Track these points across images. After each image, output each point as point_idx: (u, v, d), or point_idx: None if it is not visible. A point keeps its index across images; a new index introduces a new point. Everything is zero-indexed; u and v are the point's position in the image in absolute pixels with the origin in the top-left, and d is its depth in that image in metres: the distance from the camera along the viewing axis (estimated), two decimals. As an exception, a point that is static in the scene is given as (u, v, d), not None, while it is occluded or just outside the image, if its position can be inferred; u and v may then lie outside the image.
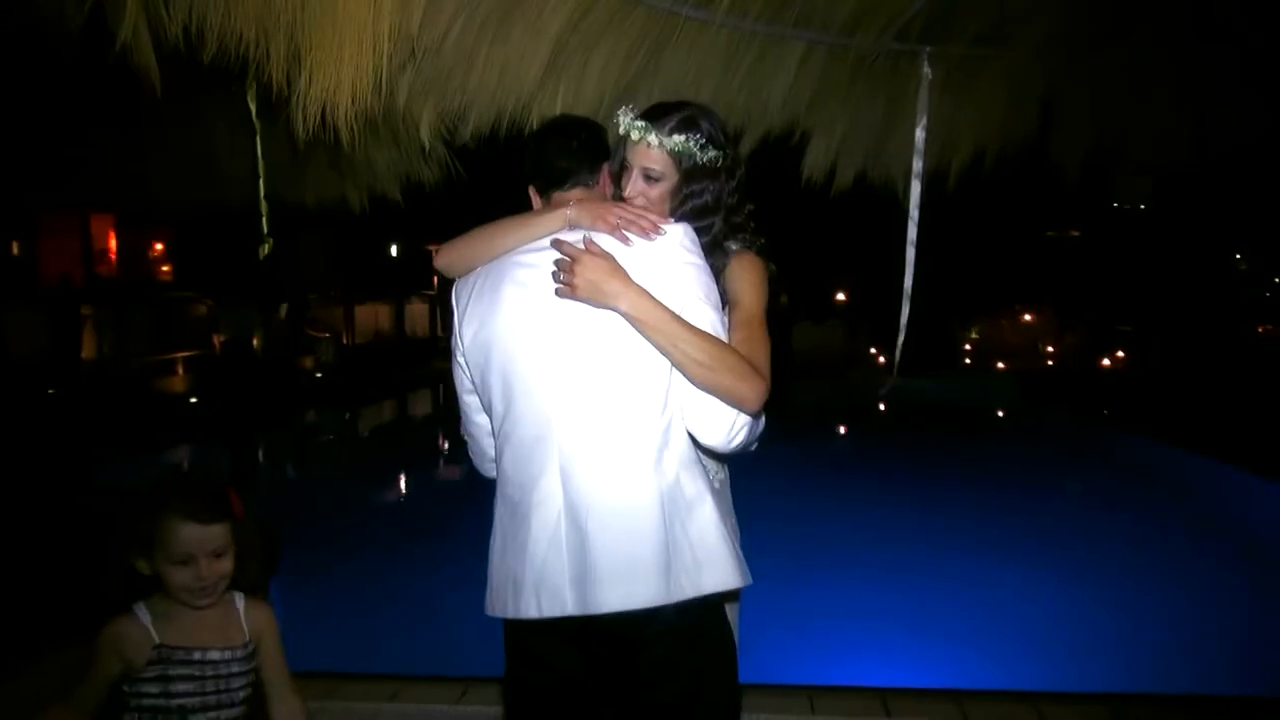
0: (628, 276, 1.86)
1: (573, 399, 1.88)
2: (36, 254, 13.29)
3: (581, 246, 1.87)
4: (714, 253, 2.15)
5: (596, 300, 1.85)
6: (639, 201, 2.13)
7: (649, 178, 2.14)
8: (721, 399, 1.86)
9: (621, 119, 2.17)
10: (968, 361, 17.81)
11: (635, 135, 2.14)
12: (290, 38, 2.32)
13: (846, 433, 12.78)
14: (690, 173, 2.14)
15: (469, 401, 2.08)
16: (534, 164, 2.12)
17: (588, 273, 1.85)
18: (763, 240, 2.26)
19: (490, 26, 2.98)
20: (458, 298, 2.04)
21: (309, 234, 15.91)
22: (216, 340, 14.05)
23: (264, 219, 3.73)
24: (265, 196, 3.65)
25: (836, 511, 7.59)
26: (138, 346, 12.68)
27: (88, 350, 11.99)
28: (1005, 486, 8.56)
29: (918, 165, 3.96)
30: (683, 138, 2.11)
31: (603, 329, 1.88)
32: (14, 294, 11.75)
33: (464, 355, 2.01)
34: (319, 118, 2.41)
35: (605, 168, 2.14)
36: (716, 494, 1.97)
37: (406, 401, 15.43)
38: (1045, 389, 14.50)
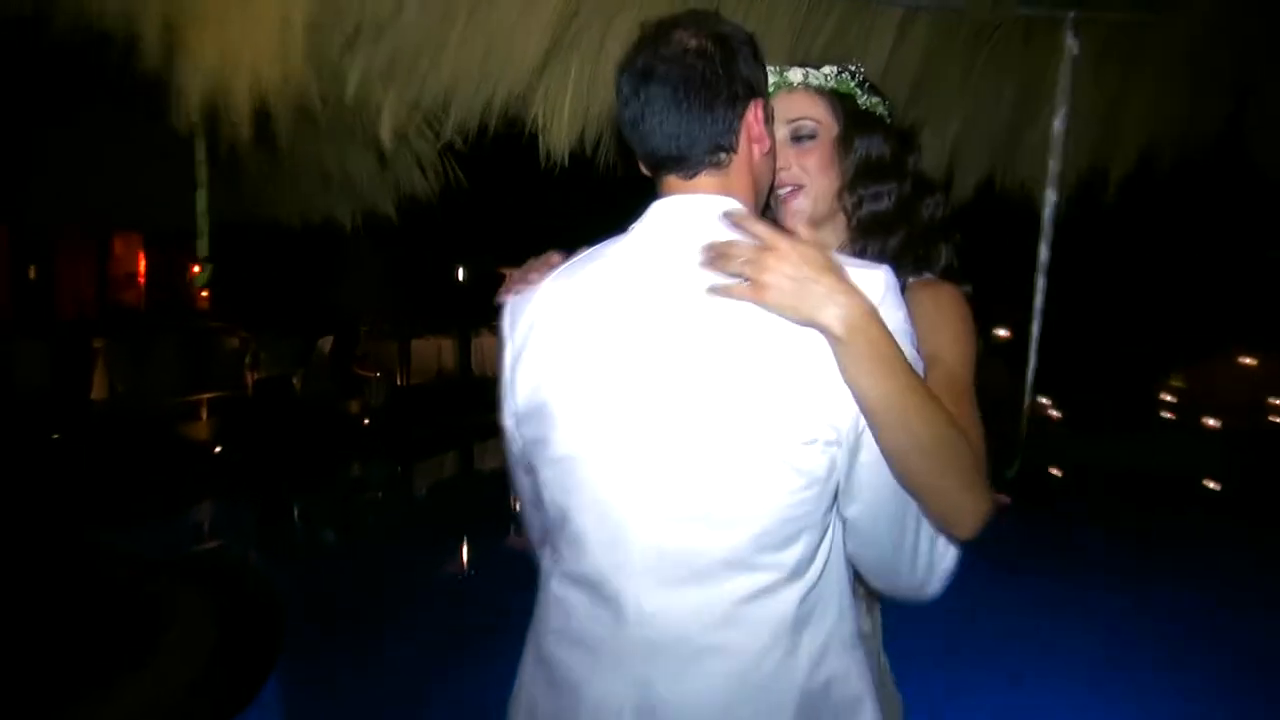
0: (847, 275, 1.48)
1: (667, 524, 1.50)
2: (53, 278, 13.90)
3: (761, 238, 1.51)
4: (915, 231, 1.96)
5: (801, 312, 1.46)
6: (794, 176, 1.93)
7: (799, 138, 1.95)
8: (930, 515, 1.54)
9: None
10: (1168, 416, 16.79)
11: (773, 80, 1.93)
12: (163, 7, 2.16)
13: (1008, 506, 12.09)
14: (856, 117, 1.95)
15: (525, 484, 1.75)
16: (630, 128, 1.66)
17: (790, 265, 1.46)
18: (955, 260, 2.00)
19: None
20: (512, 324, 1.70)
21: (358, 255, 16.23)
22: (250, 378, 14.38)
23: (204, 238, 3.62)
24: (209, 211, 3.54)
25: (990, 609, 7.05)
26: (159, 384, 13.07)
27: (99, 389, 12.44)
28: (1209, 589, 7.81)
29: (1054, 167, 3.62)
30: (834, 69, 1.97)
31: (750, 387, 1.48)
32: (22, 324, 12.31)
33: (515, 421, 1.68)
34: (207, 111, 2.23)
35: (755, 109, 1.66)
36: (876, 671, 1.68)
37: (471, 454, 15.41)
38: (1271, 454, 13.46)
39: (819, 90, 1.96)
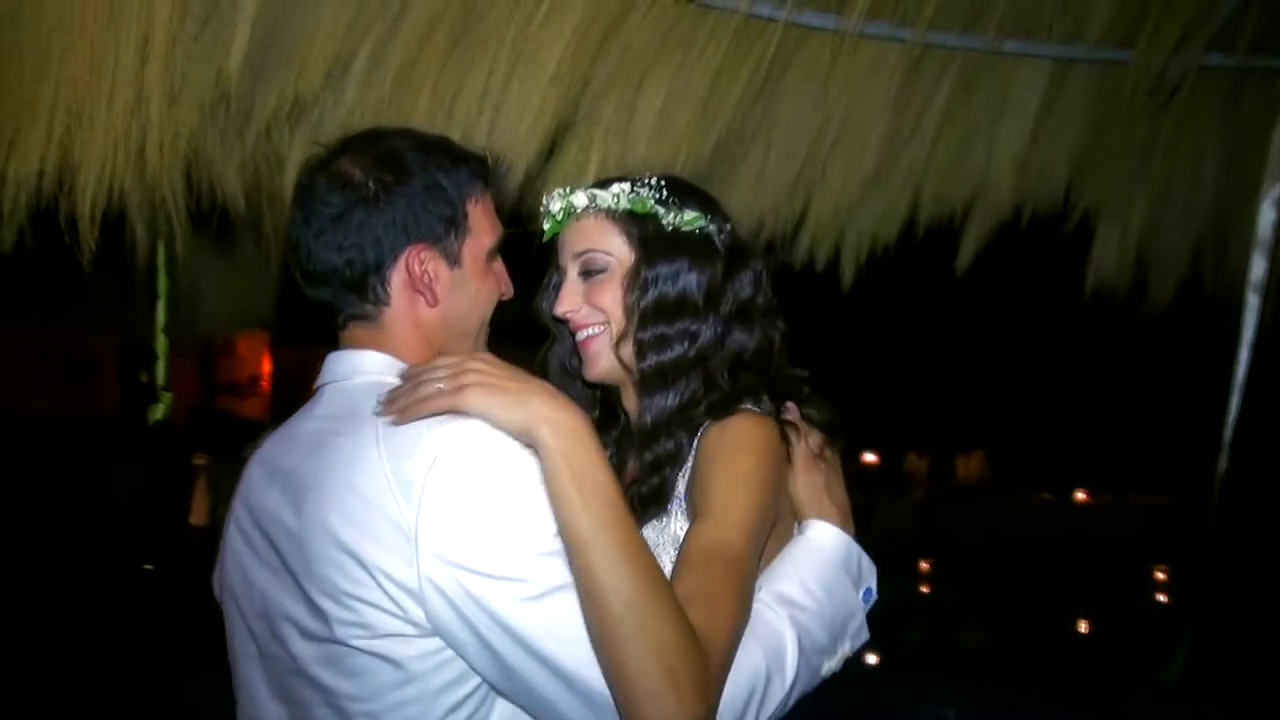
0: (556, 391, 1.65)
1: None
2: (170, 382, 14.71)
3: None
4: (686, 420, 1.94)
5: (506, 408, 1.59)
6: (583, 317, 1.99)
7: (588, 272, 2.00)
8: (613, 691, 1.54)
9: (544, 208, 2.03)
10: None
11: (556, 207, 2.01)
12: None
13: None
14: (652, 243, 1.96)
15: None
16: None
17: (493, 367, 1.62)
18: (814, 404, 1.99)
19: (434, 39, 2.78)
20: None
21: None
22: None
23: (162, 359, 3.66)
24: (165, 329, 3.59)
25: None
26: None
27: (198, 514, 12.95)
28: None
29: (1258, 268, 3.24)
30: (627, 186, 1.95)
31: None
32: (127, 436, 13.03)
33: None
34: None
35: (414, 253, 1.75)
36: None
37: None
38: None
39: (611, 214, 1.97)
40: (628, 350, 1.98)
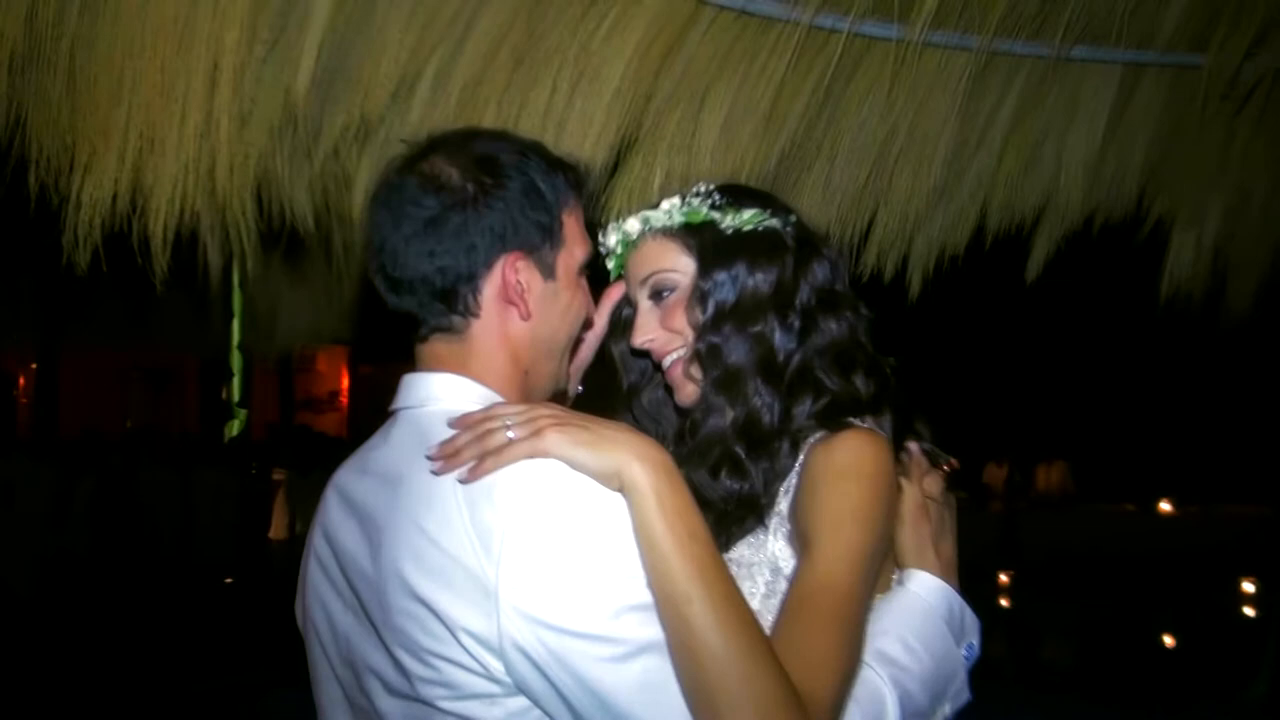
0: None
1: None
2: (249, 400, 14.99)
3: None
4: (771, 444, 1.83)
5: (595, 447, 1.49)
6: (662, 345, 1.92)
7: (657, 294, 1.94)
8: None
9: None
10: None
11: (613, 241, 1.98)
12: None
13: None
14: (711, 250, 1.90)
15: None
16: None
17: (563, 413, 1.54)
18: (905, 411, 1.88)
19: (498, 58, 2.78)
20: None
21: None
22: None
23: (237, 377, 3.71)
24: (240, 346, 3.64)
25: None
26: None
27: (278, 528, 13.15)
28: None
29: None
30: (676, 200, 1.94)
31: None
32: (209, 452, 13.24)
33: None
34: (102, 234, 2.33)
35: (510, 262, 1.66)
36: None
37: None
38: None
39: (668, 232, 1.93)
40: (695, 368, 1.91)
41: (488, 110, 2.81)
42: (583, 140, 2.94)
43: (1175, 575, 12.71)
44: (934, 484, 1.85)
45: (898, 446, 1.80)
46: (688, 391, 1.92)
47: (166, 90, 2.33)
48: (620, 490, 1.47)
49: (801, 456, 1.78)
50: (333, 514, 1.75)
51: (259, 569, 12.11)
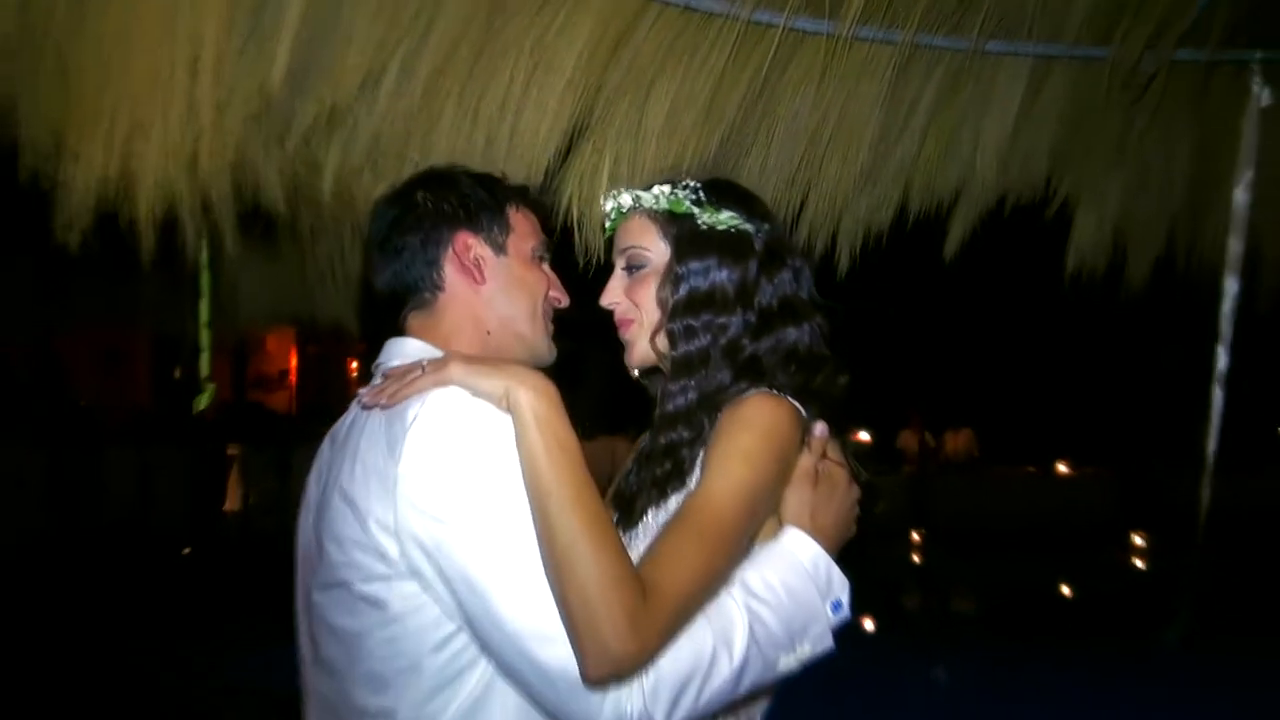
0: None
1: (313, 671, 1.91)
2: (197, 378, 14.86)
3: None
4: (710, 403, 1.98)
5: (482, 375, 1.74)
6: (622, 311, 2.10)
7: (630, 268, 2.10)
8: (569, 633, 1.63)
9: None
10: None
11: (609, 207, 2.14)
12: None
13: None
14: (686, 241, 2.04)
15: None
16: None
17: (459, 359, 1.78)
18: (835, 380, 2.03)
19: (459, 51, 2.85)
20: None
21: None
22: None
23: (205, 354, 3.75)
24: (209, 324, 3.67)
25: None
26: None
27: (232, 500, 13.08)
28: None
29: (1234, 247, 3.32)
30: (667, 188, 2.07)
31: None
32: (163, 429, 13.15)
33: None
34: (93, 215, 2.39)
35: (463, 238, 1.99)
36: None
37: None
38: None
39: (652, 214, 2.06)
40: (662, 341, 2.05)
41: (449, 100, 2.88)
42: (538, 127, 3.02)
43: (1072, 532, 13.21)
44: (832, 464, 1.95)
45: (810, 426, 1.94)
46: (634, 355, 2.10)
47: (152, 79, 2.38)
48: (507, 411, 1.69)
49: (720, 418, 1.92)
50: (321, 456, 1.98)
51: (215, 540, 12.11)
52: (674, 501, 1.95)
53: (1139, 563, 12.43)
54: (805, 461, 1.92)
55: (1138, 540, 12.73)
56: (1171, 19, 3.25)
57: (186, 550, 11.78)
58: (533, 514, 1.65)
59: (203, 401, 4.13)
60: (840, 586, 1.88)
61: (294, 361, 18.65)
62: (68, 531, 11.53)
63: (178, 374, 15.12)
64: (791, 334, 2.03)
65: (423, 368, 1.77)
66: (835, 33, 3.07)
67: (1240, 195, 3.36)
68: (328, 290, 5.00)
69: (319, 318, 5.54)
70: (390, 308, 2.02)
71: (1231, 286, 3.38)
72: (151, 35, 2.38)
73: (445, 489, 1.69)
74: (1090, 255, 3.87)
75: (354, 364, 19.37)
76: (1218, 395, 3.35)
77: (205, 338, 3.81)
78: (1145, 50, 3.29)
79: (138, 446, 12.67)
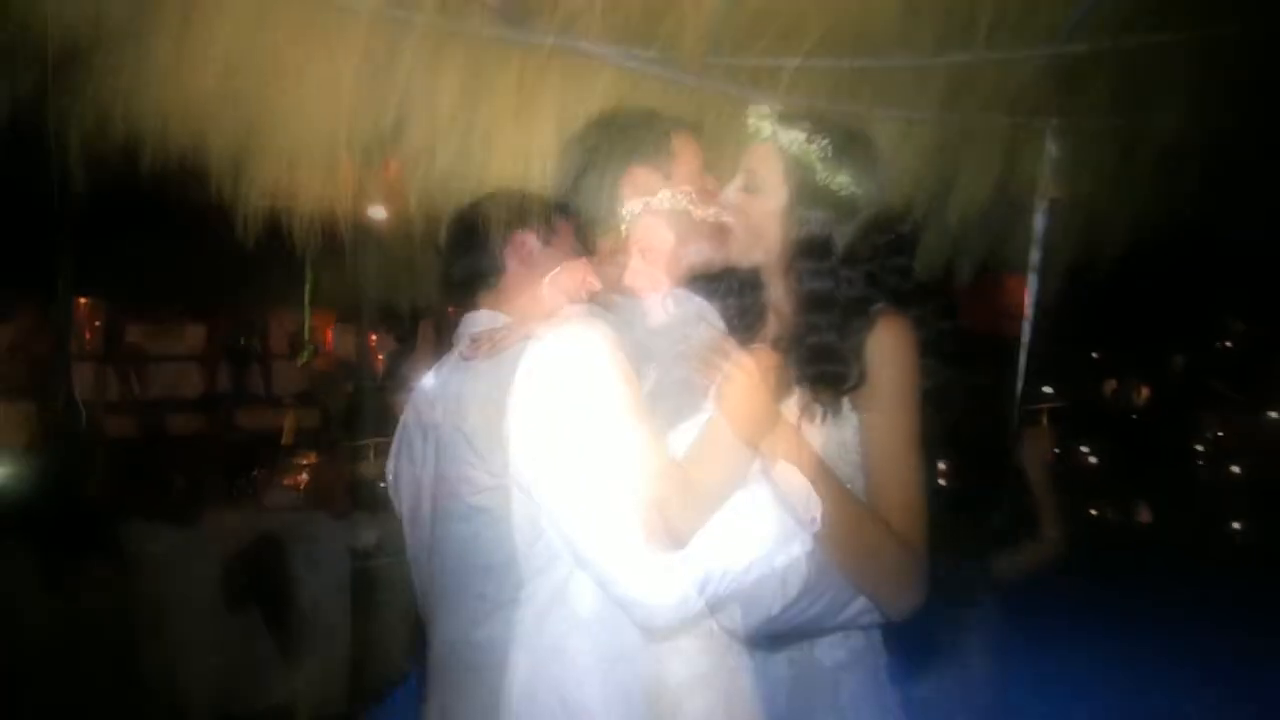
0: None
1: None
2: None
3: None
4: (846, 318, 2.12)
5: (750, 425, 1.94)
6: (724, 217, 2.23)
7: (746, 188, 2.23)
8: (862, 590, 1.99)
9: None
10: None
11: (753, 121, 2.24)
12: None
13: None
14: (803, 191, 2.15)
15: None
16: None
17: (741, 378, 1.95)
18: (930, 304, 2.22)
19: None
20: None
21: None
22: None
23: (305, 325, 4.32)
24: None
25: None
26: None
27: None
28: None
29: (1036, 256, 4.39)
30: (803, 135, 2.14)
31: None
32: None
33: None
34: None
35: (525, 236, 2.31)
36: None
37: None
38: None
39: (782, 152, 2.17)
40: (757, 254, 2.21)
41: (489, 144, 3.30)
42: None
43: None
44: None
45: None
46: (737, 248, 2.24)
47: (310, 132, 2.93)
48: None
49: (868, 324, 2.08)
50: (415, 405, 2.33)
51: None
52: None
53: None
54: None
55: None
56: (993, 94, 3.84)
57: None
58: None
59: (304, 357, 4.83)
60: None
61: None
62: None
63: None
64: (893, 279, 2.18)
65: (506, 331, 2.06)
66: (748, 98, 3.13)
67: (1039, 220, 4.36)
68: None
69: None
70: (463, 290, 2.35)
71: (1033, 284, 4.41)
72: (311, 103, 2.91)
73: (546, 419, 1.93)
74: (935, 259, 4.20)
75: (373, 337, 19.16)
76: (1021, 363, 4.44)
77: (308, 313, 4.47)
78: (981, 114, 3.94)
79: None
